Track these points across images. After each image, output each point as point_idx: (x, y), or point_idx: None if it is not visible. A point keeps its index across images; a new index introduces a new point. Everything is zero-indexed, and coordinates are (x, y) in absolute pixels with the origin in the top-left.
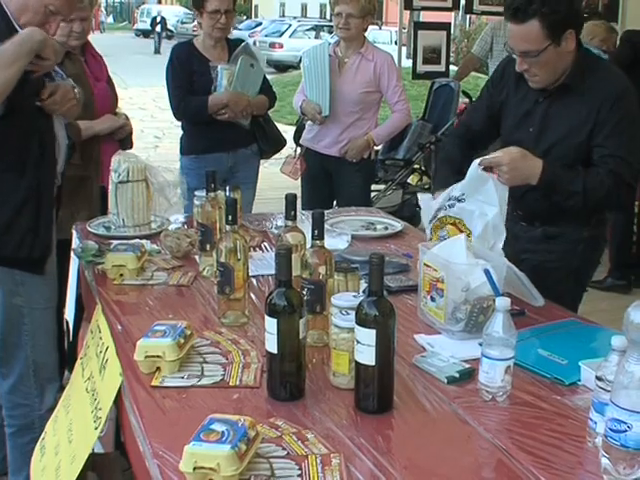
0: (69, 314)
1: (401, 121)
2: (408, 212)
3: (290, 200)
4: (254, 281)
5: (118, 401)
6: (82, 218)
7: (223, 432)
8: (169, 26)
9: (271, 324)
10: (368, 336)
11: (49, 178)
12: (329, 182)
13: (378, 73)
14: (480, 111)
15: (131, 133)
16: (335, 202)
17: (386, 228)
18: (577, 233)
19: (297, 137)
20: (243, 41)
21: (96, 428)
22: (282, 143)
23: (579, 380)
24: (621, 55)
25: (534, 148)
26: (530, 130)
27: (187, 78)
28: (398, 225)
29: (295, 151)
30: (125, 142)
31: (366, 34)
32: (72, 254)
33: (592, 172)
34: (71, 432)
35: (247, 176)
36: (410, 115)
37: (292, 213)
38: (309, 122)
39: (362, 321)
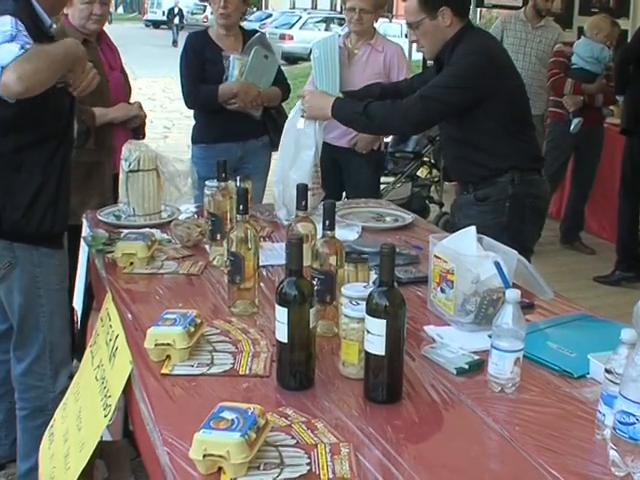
0: (77, 303)
1: None
2: (417, 205)
3: (301, 190)
4: (264, 271)
5: (127, 389)
6: (94, 205)
7: (233, 420)
8: None
9: (282, 313)
10: (378, 326)
11: (69, 155)
12: (338, 173)
13: (388, 64)
14: (424, 78)
15: (144, 124)
16: (344, 193)
17: (396, 220)
18: (502, 192)
19: None
20: (258, 32)
21: (105, 416)
22: None
23: (588, 373)
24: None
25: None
26: None
27: (199, 67)
28: (408, 217)
29: None
30: (138, 132)
31: (377, 27)
32: (82, 243)
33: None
34: (80, 419)
35: (257, 167)
36: None
37: (303, 203)
38: None
39: (372, 311)
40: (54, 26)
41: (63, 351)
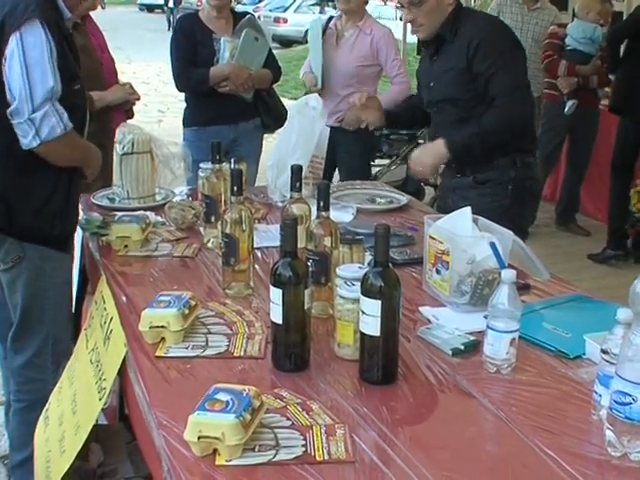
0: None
1: (399, 93)
2: (412, 187)
3: (295, 171)
4: (259, 253)
5: (122, 372)
6: (98, 187)
7: (228, 402)
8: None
9: (276, 294)
10: (373, 307)
11: None
12: (330, 152)
13: (376, 47)
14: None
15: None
16: (337, 170)
17: (391, 202)
18: (504, 175)
19: None
20: (248, 14)
21: (100, 399)
22: (285, 117)
23: (584, 354)
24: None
25: (432, 99)
26: (431, 85)
27: (190, 49)
28: (403, 199)
29: None
30: (129, 112)
31: (371, 10)
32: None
33: (485, 114)
34: (75, 403)
35: (249, 149)
36: (410, 88)
37: (297, 184)
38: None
39: (367, 292)
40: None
41: (65, 344)
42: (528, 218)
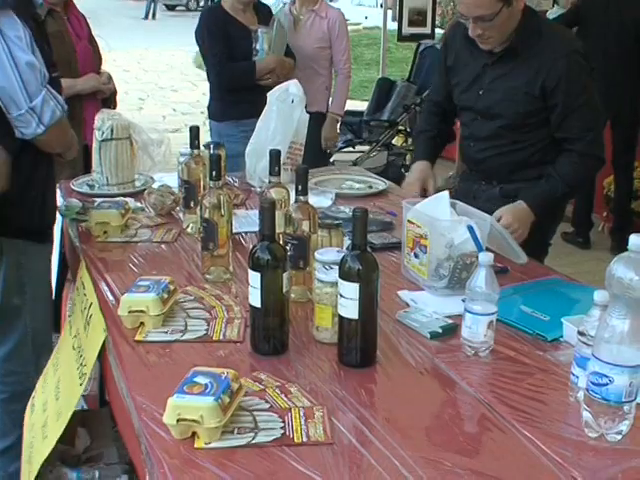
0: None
1: (345, 83)
2: (393, 173)
3: (274, 156)
4: (239, 239)
5: (102, 358)
6: (65, 176)
7: (206, 384)
8: None
9: (255, 278)
10: (351, 290)
11: None
12: None
13: (329, 29)
14: (439, 80)
15: (115, 94)
16: None
17: (370, 187)
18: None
19: None
20: (266, 5)
21: (81, 384)
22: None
23: (561, 336)
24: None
25: (483, 110)
26: (480, 93)
27: (225, 44)
28: (382, 184)
29: None
30: (108, 102)
31: None
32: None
33: (564, 165)
34: (58, 389)
35: None
36: (349, 74)
37: (276, 169)
38: None
39: (345, 275)
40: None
41: (45, 336)
42: (554, 231)
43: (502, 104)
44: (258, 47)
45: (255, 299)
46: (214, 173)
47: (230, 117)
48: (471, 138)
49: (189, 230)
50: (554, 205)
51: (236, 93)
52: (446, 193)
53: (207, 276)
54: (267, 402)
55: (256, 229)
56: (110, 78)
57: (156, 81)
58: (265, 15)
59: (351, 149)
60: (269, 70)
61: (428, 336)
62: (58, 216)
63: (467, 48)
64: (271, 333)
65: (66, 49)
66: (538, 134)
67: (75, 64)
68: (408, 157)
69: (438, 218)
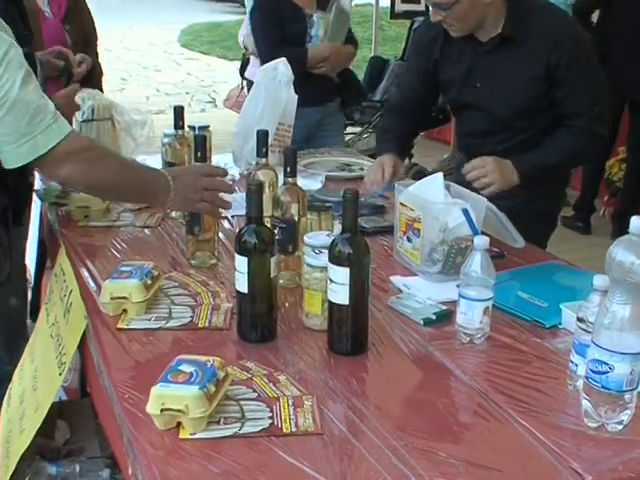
0: (30, 259)
1: None
2: None
3: (261, 136)
4: (225, 223)
5: (83, 347)
6: None
7: (191, 373)
8: None
9: (241, 263)
10: (342, 274)
11: None
12: None
13: None
14: (410, 73)
15: (100, 74)
16: None
17: (361, 169)
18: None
19: (242, 71)
20: None
21: (60, 374)
22: (362, 92)
23: (560, 323)
24: None
25: (486, 105)
26: (477, 86)
27: (278, 28)
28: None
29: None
30: (92, 83)
31: None
32: (34, 196)
33: (562, 137)
34: (36, 380)
35: (335, 130)
36: None
37: (263, 150)
38: (252, 56)
39: (335, 259)
40: None
41: (18, 322)
42: (559, 212)
43: (504, 94)
44: (312, 33)
45: (242, 284)
46: (199, 154)
47: None
48: (475, 135)
49: (173, 214)
50: (542, 175)
51: None
52: (440, 175)
53: (192, 261)
54: (255, 391)
55: (243, 212)
56: (82, 60)
57: (139, 60)
58: None
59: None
60: (322, 59)
61: (421, 323)
62: (37, 200)
63: (453, 42)
64: (259, 320)
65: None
66: (546, 116)
67: (40, 43)
68: None
69: (432, 200)
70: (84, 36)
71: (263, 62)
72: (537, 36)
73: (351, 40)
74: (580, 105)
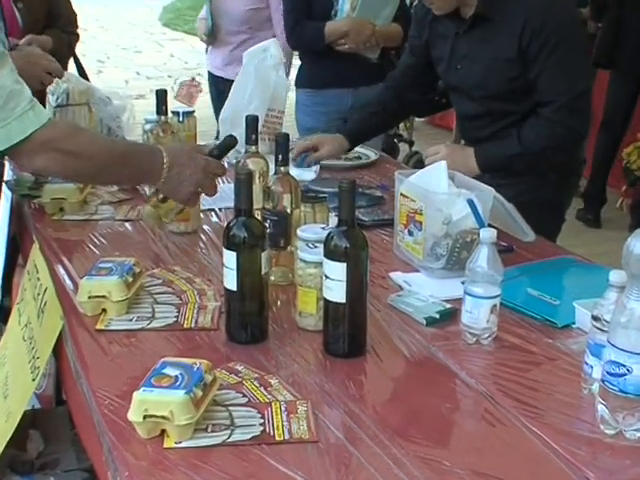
0: None
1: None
2: (386, 144)
3: (250, 122)
4: (211, 215)
5: (59, 350)
6: None
7: (177, 376)
8: None
9: (230, 258)
10: (338, 270)
11: None
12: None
13: None
14: (407, 49)
15: (68, 54)
16: None
17: (359, 158)
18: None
19: None
20: None
21: (33, 380)
22: None
23: (573, 322)
24: None
25: (466, 88)
26: (458, 67)
27: (304, 0)
28: (372, 154)
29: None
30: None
31: None
32: (4, 187)
33: (527, 127)
34: (7, 386)
35: None
36: None
37: (253, 137)
38: (211, 46)
39: (331, 253)
40: None
41: None
42: (569, 205)
43: (483, 76)
44: (338, 7)
45: (230, 281)
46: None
47: (306, 85)
48: (464, 118)
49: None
50: (506, 166)
51: (313, 58)
52: (444, 163)
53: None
54: (245, 396)
55: (231, 204)
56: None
57: (117, 41)
58: None
59: None
60: (341, 34)
61: (424, 322)
62: (6, 192)
63: (440, 19)
64: (248, 319)
65: None
66: (528, 102)
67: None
68: (402, 126)
69: (435, 191)
70: (45, 16)
71: (287, 37)
72: (512, 15)
73: (401, 19)
74: (550, 91)
